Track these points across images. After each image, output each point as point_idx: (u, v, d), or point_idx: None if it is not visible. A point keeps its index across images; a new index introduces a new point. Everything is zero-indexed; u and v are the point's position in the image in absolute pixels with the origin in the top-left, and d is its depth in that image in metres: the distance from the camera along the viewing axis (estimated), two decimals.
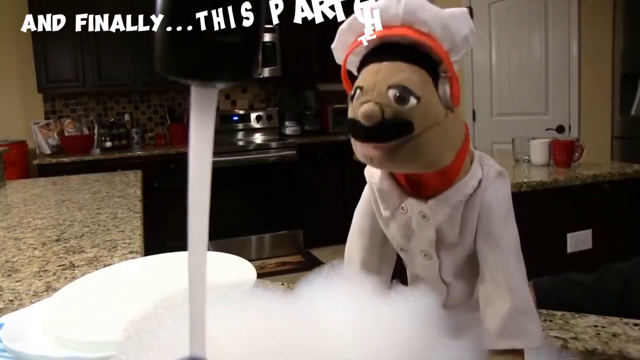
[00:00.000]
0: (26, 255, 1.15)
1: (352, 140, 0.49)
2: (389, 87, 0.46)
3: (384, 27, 0.47)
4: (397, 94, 0.45)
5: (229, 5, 0.30)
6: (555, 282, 0.95)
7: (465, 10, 0.49)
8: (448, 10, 0.49)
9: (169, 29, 0.30)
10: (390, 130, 0.45)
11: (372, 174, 0.56)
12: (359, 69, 0.50)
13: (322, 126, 4.84)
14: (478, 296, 0.53)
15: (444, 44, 0.48)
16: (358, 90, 0.48)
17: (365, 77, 0.48)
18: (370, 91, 0.46)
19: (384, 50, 0.48)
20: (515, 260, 0.51)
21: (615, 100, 3.69)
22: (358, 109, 0.46)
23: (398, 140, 0.46)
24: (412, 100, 0.45)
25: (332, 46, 0.53)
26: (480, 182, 0.51)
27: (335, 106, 4.71)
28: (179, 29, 0.30)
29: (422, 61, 0.47)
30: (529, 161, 2.40)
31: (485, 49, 4.14)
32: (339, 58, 0.53)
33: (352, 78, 0.52)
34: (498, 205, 0.51)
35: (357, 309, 0.49)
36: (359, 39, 0.49)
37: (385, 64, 0.47)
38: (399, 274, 0.62)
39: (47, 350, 0.57)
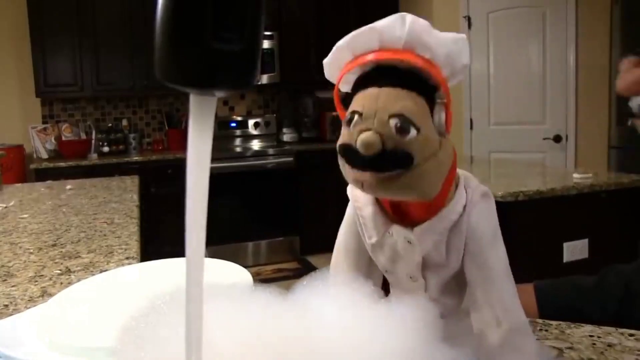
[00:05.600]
0: (22, 260, 1.15)
1: (342, 163, 0.48)
2: (390, 116, 0.44)
3: (386, 48, 0.46)
4: (399, 125, 0.44)
5: (229, 13, 0.30)
6: (555, 286, 0.95)
7: (465, 37, 0.48)
8: (450, 36, 0.47)
9: (168, 36, 0.31)
10: (390, 161, 0.44)
11: (357, 197, 0.55)
12: (354, 89, 0.48)
13: (320, 133, 4.84)
14: (466, 307, 0.54)
15: (444, 70, 0.47)
16: (356, 116, 0.46)
17: (364, 102, 0.46)
18: (370, 119, 0.45)
19: (382, 72, 0.47)
20: (506, 281, 0.51)
21: (612, 111, 3.72)
22: (355, 136, 0.45)
23: (396, 171, 0.45)
24: (413, 132, 0.44)
25: (325, 62, 0.50)
26: (465, 206, 0.50)
27: (334, 113, 4.71)
28: (179, 36, 0.30)
29: (419, 86, 0.46)
30: None
31: (483, 57, 4.16)
32: (330, 75, 0.51)
33: (343, 101, 0.50)
34: (485, 230, 0.50)
35: (355, 314, 0.49)
36: (357, 59, 0.47)
37: (385, 89, 0.45)
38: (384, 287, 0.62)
39: (41, 355, 0.56)
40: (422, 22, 0.46)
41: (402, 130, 0.44)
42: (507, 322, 0.50)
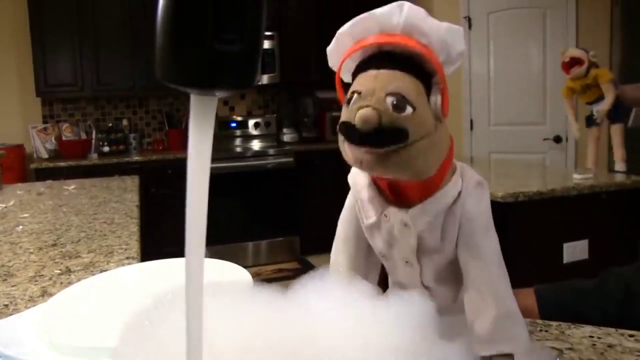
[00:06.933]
0: (22, 260, 1.15)
1: (341, 142, 0.50)
2: (387, 94, 0.47)
3: (384, 34, 0.49)
4: (395, 102, 0.46)
5: (230, 13, 0.30)
6: (556, 289, 0.95)
7: (461, 27, 0.51)
8: (445, 24, 0.50)
9: (169, 36, 0.31)
10: (386, 136, 0.46)
11: (356, 181, 0.58)
12: (354, 75, 0.51)
13: (320, 133, 4.84)
14: (462, 301, 0.54)
15: (440, 56, 0.50)
16: (355, 95, 0.49)
17: (363, 82, 0.49)
18: (369, 96, 0.47)
19: (381, 57, 0.49)
20: (497, 269, 0.52)
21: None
22: (354, 113, 0.47)
23: (392, 147, 0.47)
24: (408, 109, 0.47)
25: (328, 49, 0.53)
26: (460, 192, 0.52)
27: (334, 114, 4.71)
28: (180, 37, 0.30)
29: (417, 72, 0.49)
30: None
31: (484, 58, 4.16)
32: (333, 63, 0.54)
33: (345, 88, 0.52)
34: (479, 216, 0.52)
35: (354, 312, 0.49)
36: (357, 43, 0.50)
37: (383, 71, 0.48)
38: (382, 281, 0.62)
39: (41, 355, 0.56)
40: (418, 10, 0.49)
41: (398, 107, 0.47)
42: (496, 308, 0.51)
